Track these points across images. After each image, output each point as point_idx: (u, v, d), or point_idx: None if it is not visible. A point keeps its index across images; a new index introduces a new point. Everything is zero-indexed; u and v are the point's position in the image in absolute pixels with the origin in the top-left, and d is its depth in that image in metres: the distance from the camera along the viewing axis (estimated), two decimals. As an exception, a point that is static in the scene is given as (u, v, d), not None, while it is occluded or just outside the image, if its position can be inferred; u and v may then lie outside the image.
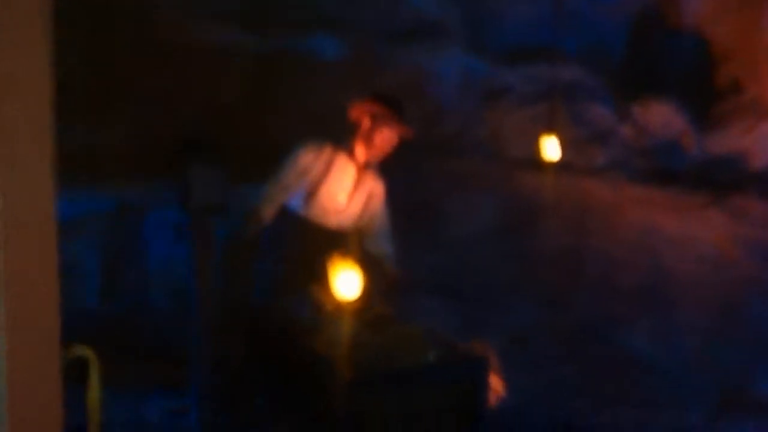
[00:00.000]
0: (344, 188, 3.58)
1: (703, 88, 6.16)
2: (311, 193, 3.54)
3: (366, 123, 3.53)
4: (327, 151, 3.57)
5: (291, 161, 3.55)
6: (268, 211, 3.51)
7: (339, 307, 2.87)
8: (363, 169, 3.61)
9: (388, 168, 3.76)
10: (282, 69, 4.86)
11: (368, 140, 3.53)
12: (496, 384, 2.83)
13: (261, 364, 3.30)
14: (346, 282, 2.87)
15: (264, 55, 4.85)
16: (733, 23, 6.08)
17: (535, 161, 5.69)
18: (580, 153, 5.64)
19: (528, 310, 5.64)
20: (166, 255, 4.67)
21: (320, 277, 3.46)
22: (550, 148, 5.04)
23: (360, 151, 3.57)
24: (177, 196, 3.07)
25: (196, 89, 4.46)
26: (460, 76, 5.70)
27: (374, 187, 3.67)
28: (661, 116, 5.91)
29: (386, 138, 3.52)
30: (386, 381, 2.48)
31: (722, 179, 5.46)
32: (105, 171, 4.04)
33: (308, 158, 3.54)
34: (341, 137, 3.62)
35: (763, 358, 5.03)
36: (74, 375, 1.73)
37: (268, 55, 4.86)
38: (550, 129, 5.18)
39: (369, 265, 3.09)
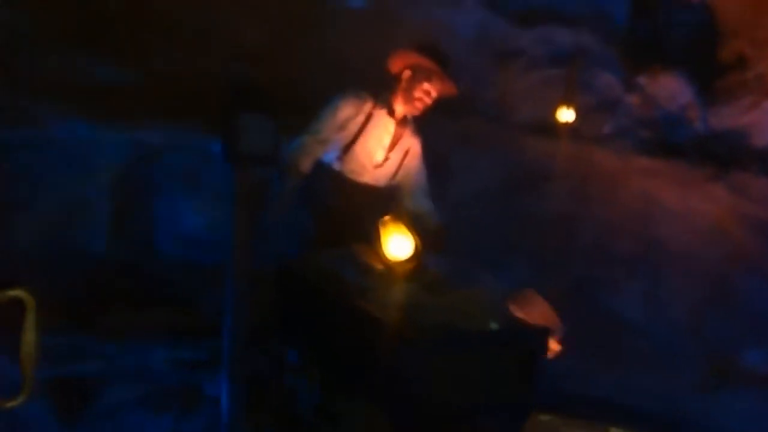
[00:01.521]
0: (382, 144, 3.46)
1: (707, 62, 6.20)
2: (348, 148, 3.43)
3: (406, 75, 3.37)
4: (367, 104, 3.43)
5: (330, 113, 3.41)
6: (306, 165, 3.41)
7: (391, 268, 2.83)
8: (401, 124, 3.51)
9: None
10: (306, 14, 4.71)
11: (408, 94, 3.37)
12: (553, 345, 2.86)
13: (295, 319, 3.25)
14: (398, 243, 2.83)
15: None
16: (744, -1, 6.10)
17: (543, 126, 5.70)
18: (587, 120, 5.65)
19: (523, 270, 5.69)
20: (177, 201, 4.56)
21: (363, 236, 3.42)
22: (565, 113, 5.06)
23: (399, 105, 3.42)
24: (222, 144, 2.96)
25: (223, 33, 4.31)
26: (475, 34, 5.62)
27: (411, 144, 3.55)
28: (668, 88, 5.95)
29: (427, 92, 3.36)
30: (447, 345, 2.47)
31: (724, 154, 5.53)
32: (127, 109, 3.89)
33: (348, 111, 3.40)
34: (367, 88, 3.47)
35: (751, 331, 5.19)
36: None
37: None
38: (565, 94, 5.19)
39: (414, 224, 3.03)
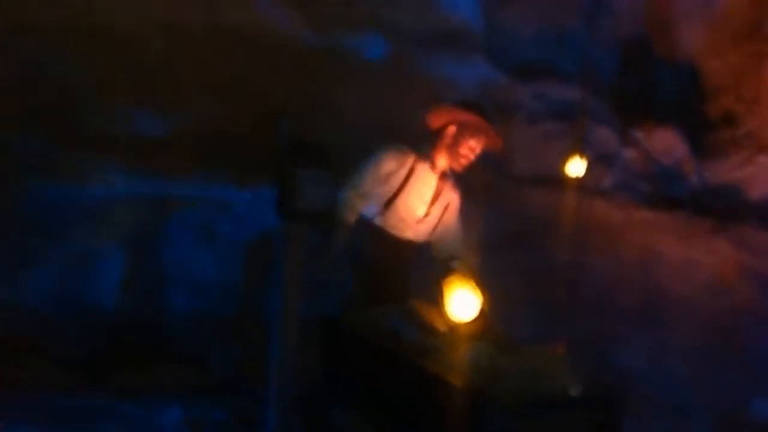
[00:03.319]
0: (423, 199, 3.41)
1: (695, 118, 6.34)
2: (390, 203, 3.37)
3: (451, 131, 3.35)
4: (409, 158, 3.40)
5: (371, 167, 3.37)
6: (351, 220, 3.35)
7: (456, 328, 2.75)
8: (442, 179, 3.47)
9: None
10: (330, 67, 4.70)
11: (452, 150, 3.35)
12: None
13: (342, 378, 3.14)
14: (464, 302, 2.76)
15: (316, 50, 4.68)
16: (731, 57, 6.28)
17: (543, 178, 5.74)
18: (586, 173, 5.68)
19: (530, 324, 5.65)
20: (189, 252, 4.43)
21: (404, 291, 3.35)
22: (576, 166, 5.09)
23: (441, 159, 3.41)
24: (277, 199, 2.86)
25: (254, 84, 4.25)
26: (477, 88, 5.66)
27: (451, 199, 3.51)
28: (664, 142, 6.06)
29: (473, 149, 3.37)
30: (533, 409, 2.40)
31: (722, 208, 5.63)
32: (158, 161, 3.77)
33: (391, 165, 3.35)
34: (406, 142, 3.45)
35: (759, 382, 5.21)
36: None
37: (320, 51, 4.69)
38: (574, 147, 5.23)
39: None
